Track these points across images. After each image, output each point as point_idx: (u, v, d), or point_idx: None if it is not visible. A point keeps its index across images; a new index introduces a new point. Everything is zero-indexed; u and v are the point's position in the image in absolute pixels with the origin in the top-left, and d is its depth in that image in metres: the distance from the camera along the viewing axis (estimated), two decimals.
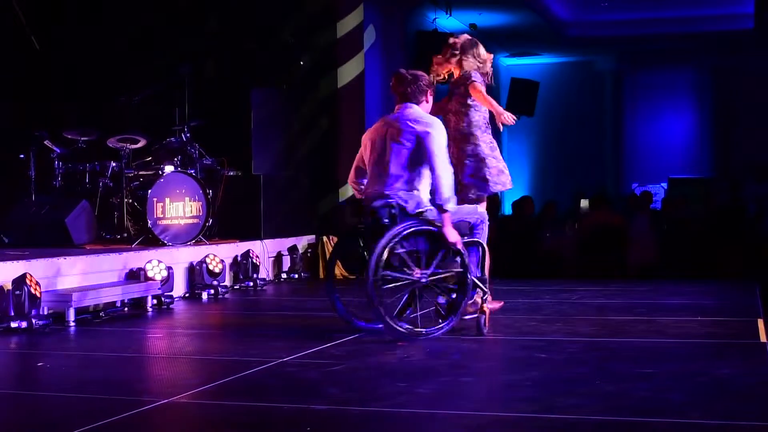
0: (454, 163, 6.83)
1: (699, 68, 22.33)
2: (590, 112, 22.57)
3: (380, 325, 6.35)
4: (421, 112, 6.59)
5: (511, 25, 18.77)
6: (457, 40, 7.29)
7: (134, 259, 8.64)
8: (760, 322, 6.95)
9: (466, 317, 6.64)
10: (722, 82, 22.04)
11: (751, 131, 21.22)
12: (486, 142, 7.15)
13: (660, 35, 20.09)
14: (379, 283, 6.20)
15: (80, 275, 7.97)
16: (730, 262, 12.48)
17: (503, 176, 7.15)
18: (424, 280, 6.35)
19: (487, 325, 6.49)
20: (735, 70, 21.73)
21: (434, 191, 6.37)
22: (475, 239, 6.72)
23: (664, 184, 20.83)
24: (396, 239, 6.25)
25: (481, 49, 7.29)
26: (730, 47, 20.70)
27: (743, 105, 21.58)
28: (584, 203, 16.61)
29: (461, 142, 7.14)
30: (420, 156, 6.42)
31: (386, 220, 6.40)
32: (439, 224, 6.35)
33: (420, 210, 6.45)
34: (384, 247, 6.20)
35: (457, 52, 7.21)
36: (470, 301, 6.60)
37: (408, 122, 6.47)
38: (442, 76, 7.27)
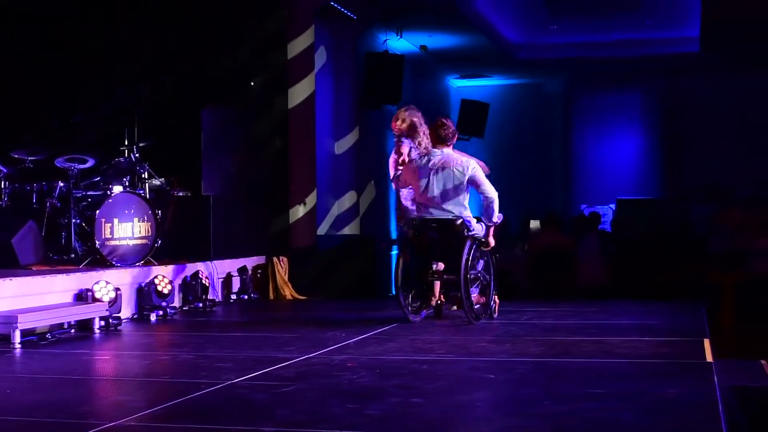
0: None
1: (646, 91, 22.58)
2: (539, 134, 22.73)
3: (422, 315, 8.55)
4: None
5: (461, 47, 18.87)
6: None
7: (82, 280, 8.55)
8: (707, 342, 7.02)
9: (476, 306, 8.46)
10: (669, 105, 22.30)
11: (698, 153, 21.47)
12: None
13: (608, 58, 20.30)
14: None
15: (26, 296, 7.87)
16: (678, 282, 12.61)
17: None
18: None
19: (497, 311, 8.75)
20: (682, 93, 21.99)
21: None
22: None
23: (613, 206, 21.00)
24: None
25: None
26: (676, 70, 20.97)
27: (690, 127, 21.83)
28: (534, 224, 16.71)
29: None
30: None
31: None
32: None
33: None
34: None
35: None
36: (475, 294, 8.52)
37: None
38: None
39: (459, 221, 8.33)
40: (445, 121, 8.66)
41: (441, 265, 8.43)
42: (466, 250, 8.22)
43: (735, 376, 7.52)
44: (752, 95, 20.89)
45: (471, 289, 8.39)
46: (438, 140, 8.55)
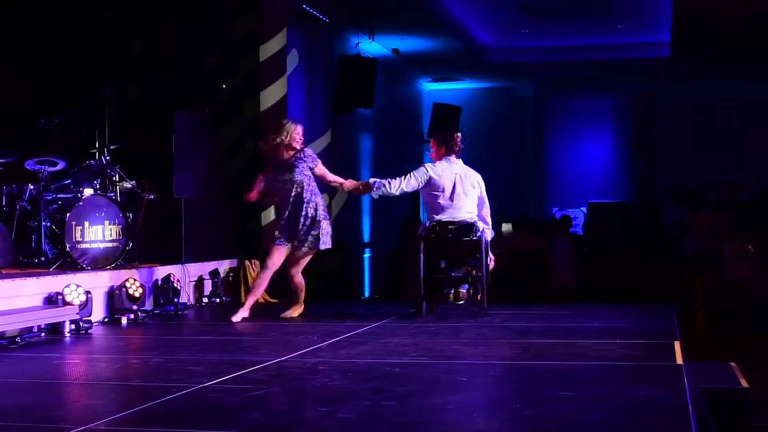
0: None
1: (618, 94, 22.70)
2: (511, 137, 22.79)
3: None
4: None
5: (433, 50, 18.90)
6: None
7: (52, 283, 8.49)
8: (677, 345, 7.06)
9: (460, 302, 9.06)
10: (640, 109, 22.43)
11: (668, 156, 21.61)
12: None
13: (580, 62, 20.40)
14: None
15: None
16: (649, 285, 12.67)
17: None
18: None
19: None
20: (653, 97, 22.14)
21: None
22: None
23: (584, 209, 21.09)
24: None
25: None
26: (648, 74, 21.10)
27: (661, 131, 21.98)
28: (506, 227, 16.74)
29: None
30: None
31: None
32: None
33: None
34: None
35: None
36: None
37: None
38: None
39: (475, 224, 9.11)
40: (458, 135, 9.45)
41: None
42: (483, 248, 9.00)
43: (705, 378, 7.57)
44: (723, 99, 21.06)
45: (463, 286, 9.11)
46: (451, 151, 9.27)
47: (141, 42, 12.09)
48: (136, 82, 11.83)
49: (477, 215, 9.22)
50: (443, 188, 9.13)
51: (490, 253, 9.22)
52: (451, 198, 9.12)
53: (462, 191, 9.14)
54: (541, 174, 23.11)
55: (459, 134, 9.44)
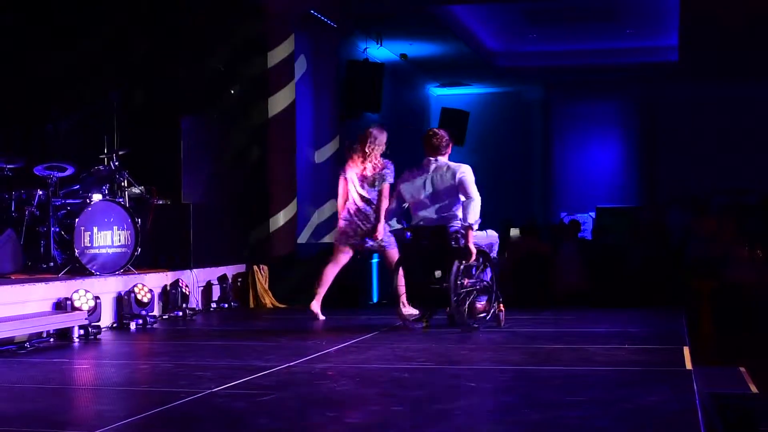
0: None
1: (625, 99, 22.69)
2: (519, 142, 22.79)
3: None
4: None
5: (441, 56, 18.92)
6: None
7: (61, 288, 8.51)
8: (686, 350, 7.05)
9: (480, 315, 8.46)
10: (648, 113, 22.42)
11: (676, 161, 21.60)
12: None
13: (587, 66, 20.40)
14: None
15: (5, 305, 7.83)
16: (657, 289, 12.64)
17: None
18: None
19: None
20: (660, 101, 22.13)
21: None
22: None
23: (592, 213, 21.07)
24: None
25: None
26: (655, 79, 21.09)
27: (668, 135, 21.97)
28: (514, 232, 16.73)
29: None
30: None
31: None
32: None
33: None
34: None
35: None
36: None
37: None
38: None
39: (451, 230, 8.30)
40: (436, 131, 8.76)
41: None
42: (454, 268, 8.09)
43: (714, 383, 7.56)
44: (729, 104, 21.05)
45: (479, 298, 8.47)
46: (431, 150, 8.60)
47: (146, 47, 12.11)
48: (142, 86, 11.85)
49: (456, 219, 8.42)
50: (411, 190, 8.65)
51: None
52: (417, 198, 8.56)
53: (428, 188, 8.52)
54: (549, 179, 23.10)
55: (432, 131, 8.78)
